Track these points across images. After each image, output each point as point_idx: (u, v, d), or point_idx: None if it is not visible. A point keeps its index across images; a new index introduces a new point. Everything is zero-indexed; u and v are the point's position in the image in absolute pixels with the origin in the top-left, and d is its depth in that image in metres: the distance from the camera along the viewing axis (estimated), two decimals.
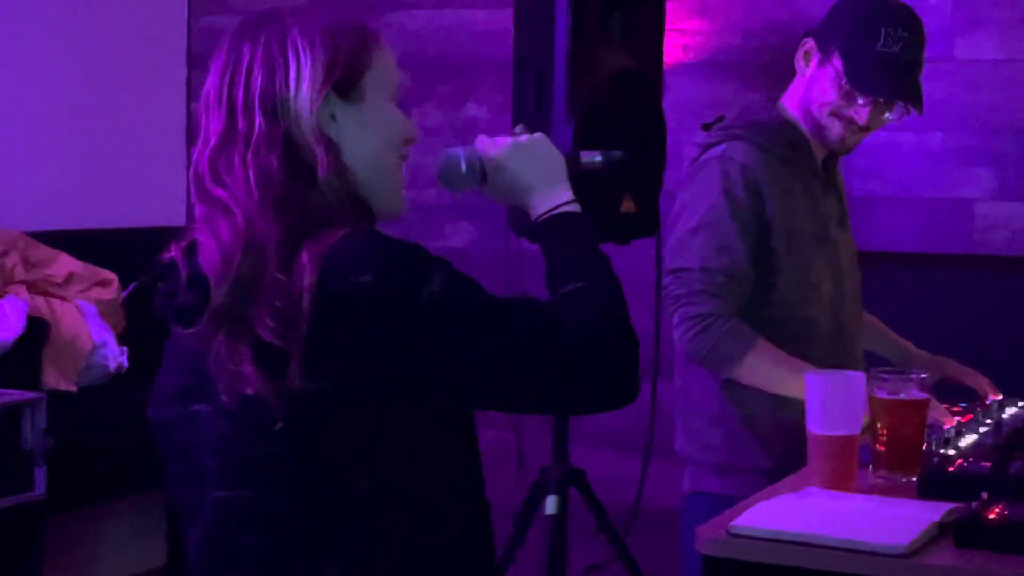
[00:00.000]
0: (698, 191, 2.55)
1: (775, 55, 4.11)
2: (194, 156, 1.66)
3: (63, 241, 4.27)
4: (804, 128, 2.62)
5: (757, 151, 2.55)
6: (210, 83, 1.66)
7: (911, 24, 2.55)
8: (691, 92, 4.20)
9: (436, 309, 1.52)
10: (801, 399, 2.16)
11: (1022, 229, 3.90)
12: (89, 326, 4.03)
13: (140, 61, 4.86)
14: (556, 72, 3.32)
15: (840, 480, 2.08)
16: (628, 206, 3.42)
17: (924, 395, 2.19)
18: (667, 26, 3.64)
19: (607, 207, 3.31)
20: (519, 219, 3.22)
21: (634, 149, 3.37)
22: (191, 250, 1.60)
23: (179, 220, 4.96)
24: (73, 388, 3.95)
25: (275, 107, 1.61)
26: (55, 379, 3.89)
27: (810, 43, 2.59)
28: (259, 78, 1.62)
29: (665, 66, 3.63)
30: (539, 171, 1.78)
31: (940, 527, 1.85)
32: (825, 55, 2.56)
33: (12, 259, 4.04)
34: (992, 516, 1.82)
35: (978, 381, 2.75)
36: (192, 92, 5.00)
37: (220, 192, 1.60)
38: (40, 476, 3.51)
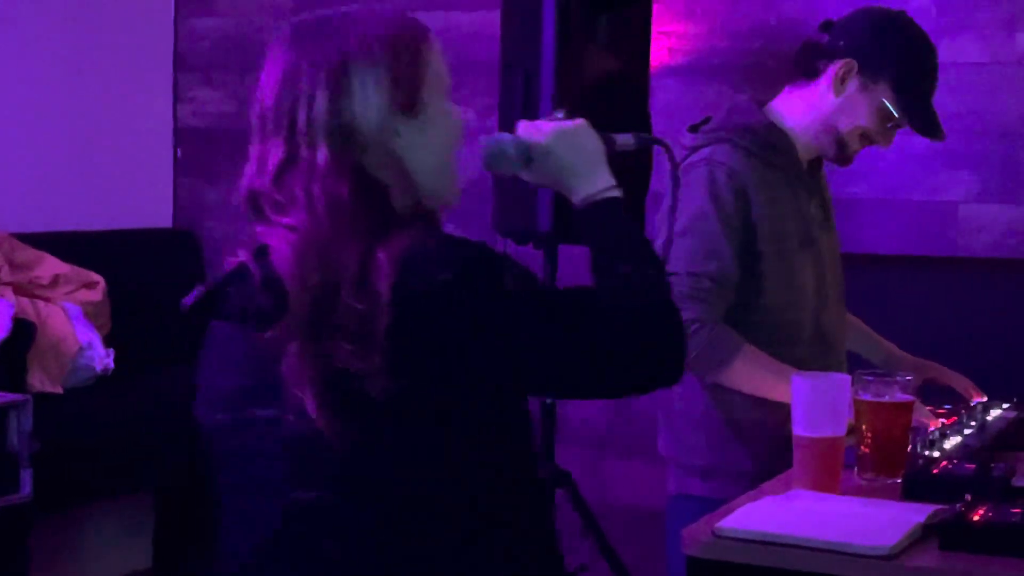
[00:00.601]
0: (685, 195, 2.56)
1: (761, 58, 4.12)
2: (248, 178, 1.66)
3: (49, 243, 4.27)
4: (802, 134, 2.63)
5: (743, 154, 2.56)
6: (267, 100, 1.65)
7: (936, 55, 2.64)
8: (677, 95, 4.21)
9: (512, 303, 1.57)
10: (786, 403, 2.16)
11: (1005, 232, 3.92)
12: (75, 328, 4.02)
13: (127, 62, 4.86)
14: (543, 74, 3.33)
15: (825, 482, 2.09)
16: None
17: (908, 397, 2.20)
18: (653, 29, 3.66)
19: None
20: (504, 220, 3.23)
21: (620, 152, 3.39)
22: (261, 254, 1.61)
23: (165, 222, 4.96)
24: (59, 390, 3.94)
25: (341, 135, 1.62)
26: (41, 381, 3.89)
27: (852, 64, 2.58)
28: (323, 103, 1.62)
29: (651, 68, 3.64)
30: (582, 156, 1.81)
31: (924, 529, 1.86)
32: (871, 81, 2.58)
33: None
34: (976, 518, 1.83)
35: (962, 383, 2.77)
36: (178, 94, 5.00)
37: (285, 219, 1.60)
38: (26, 478, 3.50)
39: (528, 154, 1.82)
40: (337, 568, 1.59)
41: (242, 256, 1.63)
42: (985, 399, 2.67)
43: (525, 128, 1.84)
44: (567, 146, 1.81)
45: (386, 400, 1.53)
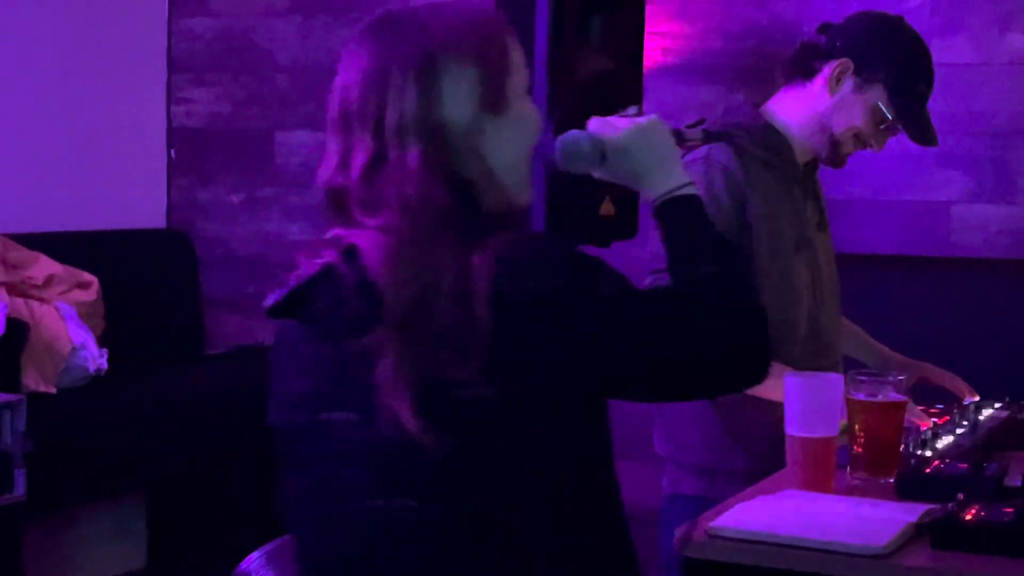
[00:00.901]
0: None
1: (754, 58, 4.13)
2: (328, 174, 1.62)
3: (43, 243, 4.26)
4: (798, 135, 2.63)
5: (740, 154, 2.57)
6: (351, 95, 1.61)
7: (931, 60, 2.64)
8: (670, 95, 4.21)
9: (607, 307, 1.57)
10: (778, 401, 2.17)
11: (998, 232, 3.93)
12: (69, 328, 4.02)
13: (120, 63, 4.86)
14: (536, 75, 3.32)
15: (818, 481, 2.09)
16: (607, 209, 3.43)
17: (901, 397, 2.20)
18: (647, 29, 3.66)
19: (586, 210, 3.32)
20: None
21: None
22: (351, 256, 1.57)
23: (159, 222, 4.96)
24: (52, 390, 3.94)
25: (432, 135, 1.59)
26: (34, 381, 3.89)
27: (847, 64, 2.59)
28: (413, 102, 1.58)
29: (644, 69, 3.64)
30: (657, 153, 1.80)
31: (917, 528, 1.86)
32: (865, 82, 2.58)
33: None
34: (968, 517, 1.83)
35: (955, 383, 2.77)
36: (172, 95, 5.00)
37: (374, 220, 1.57)
38: (19, 478, 3.50)
39: (603, 151, 1.81)
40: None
41: (328, 257, 1.59)
42: (978, 398, 2.67)
43: (598, 124, 1.83)
44: (643, 142, 1.80)
45: (483, 406, 1.51)
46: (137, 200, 4.91)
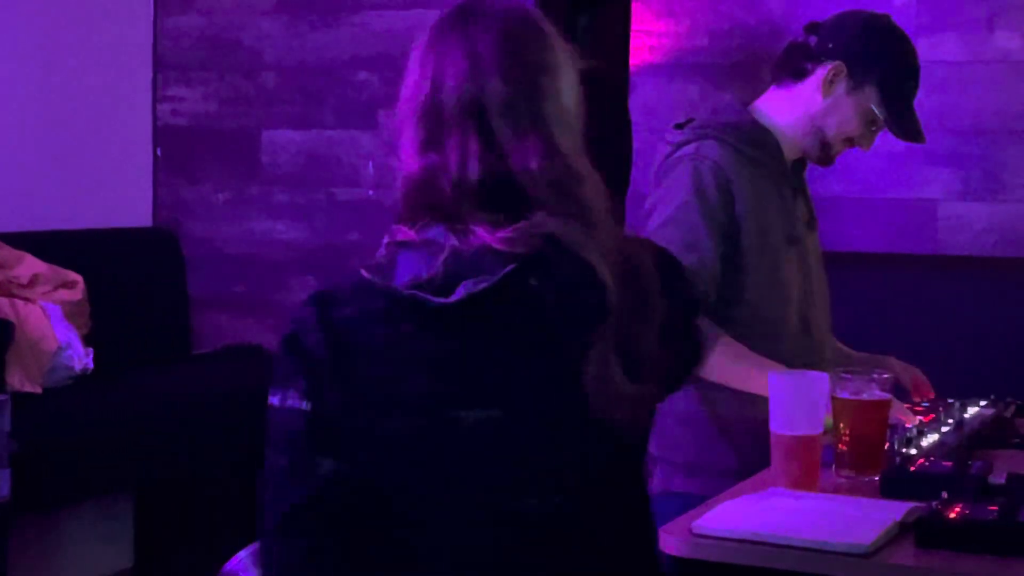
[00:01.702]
0: (669, 189, 2.57)
1: (741, 57, 4.13)
2: (454, 173, 1.54)
3: (28, 242, 4.25)
4: (788, 134, 2.64)
5: (729, 150, 2.57)
6: (448, 86, 1.57)
7: (918, 59, 2.66)
8: (657, 93, 4.21)
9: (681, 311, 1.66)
10: (764, 395, 2.17)
11: (985, 230, 3.93)
12: (54, 327, 4.01)
13: (106, 61, 4.84)
14: None
15: (803, 480, 2.09)
16: None
17: (886, 395, 2.20)
18: (633, 27, 3.66)
19: None
20: None
21: (600, 150, 3.40)
22: (554, 244, 1.51)
23: (145, 221, 4.95)
24: (38, 390, 3.93)
25: (556, 122, 1.61)
26: (20, 381, 3.87)
27: (841, 67, 2.60)
28: (554, 94, 1.62)
29: (631, 67, 3.64)
30: None
31: (901, 526, 1.86)
32: (858, 84, 2.60)
33: None
34: (952, 515, 1.83)
35: (907, 376, 2.74)
36: (158, 93, 4.99)
37: (545, 208, 1.54)
38: (4, 478, 3.49)
39: None
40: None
41: (529, 244, 1.50)
42: (932, 396, 2.67)
43: None
44: None
45: (641, 399, 1.55)
46: (123, 199, 4.90)
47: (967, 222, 3.95)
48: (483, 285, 1.50)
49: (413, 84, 1.60)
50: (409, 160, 1.58)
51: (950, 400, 2.60)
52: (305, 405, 1.54)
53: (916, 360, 2.84)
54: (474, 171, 1.53)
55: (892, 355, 2.85)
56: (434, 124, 1.57)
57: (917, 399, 2.57)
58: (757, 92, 2.72)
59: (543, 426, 1.51)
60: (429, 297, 1.50)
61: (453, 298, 1.50)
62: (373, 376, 1.52)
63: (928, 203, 3.98)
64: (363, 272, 1.55)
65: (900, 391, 2.61)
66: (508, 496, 1.52)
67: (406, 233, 1.55)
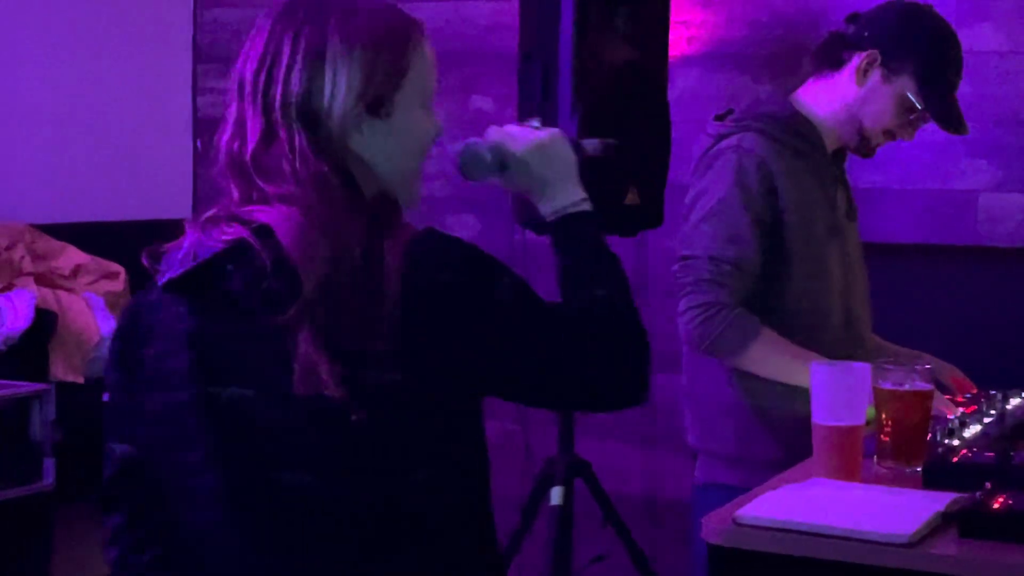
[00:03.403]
0: (711, 181, 2.57)
1: (780, 47, 4.12)
2: (225, 143, 1.65)
3: (70, 233, 4.29)
4: (827, 125, 2.64)
5: (771, 142, 2.57)
6: (248, 68, 1.64)
7: (960, 48, 2.64)
8: (696, 84, 4.21)
9: (504, 309, 1.61)
10: (805, 386, 2.17)
11: None
12: (96, 318, 4.04)
13: (147, 54, 4.88)
14: (561, 65, 3.33)
15: (845, 470, 2.09)
16: (632, 198, 3.43)
17: (928, 386, 2.20)
18: (672, 18, 3.66)
19: (611, 199, 3.32)
20: (523, 211, 3.24)
21: (639, 141, 3.40)
22: (263, 233, 1.58)
23: (185, 212, 4.97)
24: (80, 380, 3.96)
25: (313, 118, 1.61)
26: (63, 371, 3.91)
27: (875, 55, 2.59)
28: (297, 84, 1.61)
29: (670, 58, 3.64)
30: (555, 168, 1.82)
31: (944, 517, 1.86)
32: (893, 73, 2.59)
33: (19, 252, 4.06)
34: (996, 506, 1.83)
35: (951, 376, 2.73)
36: (197, 85, 5.02)
37: (276, 188, 1.60)
38: (48, 467, 3.53)
39: (504, 161, 1.82)
40: (315, 553, 1.58)
41: (235, 233, 1.59)
42: (974, 391, 2.65)
43: (498, 132, 1.84)
44: (541, 157, 1.82)
45: (389, 388, 1.55)
46: (163, 190, 4.93)
47: (1007, 213, 3.93)
48: (181, 270, 1.61)
49: (236, 58, 1.70)
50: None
51: (992, 391, 2.59)
52: (105, 396, 1.76)
53: (956, 351, 2.83)
54: (235, 144, 1.64)
55: (931, 346, 2.84)
56: (229, 93, 1.69)
57: (960, 399, 2.56)
58: (798, 82, 2.71)
59: (279, 406, 1.57)
60: (160, 277, 1.63)
61: (160, 280, 1.63)
62: (147, 355, 1.66)
63: (968, 194, 3.97)
64: None
65: (941, 389, 2.61)
66: (266, 470, 1.58)
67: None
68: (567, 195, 1.81)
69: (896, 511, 1.87)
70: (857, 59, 2.60)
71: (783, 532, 1.84)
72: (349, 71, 1.62)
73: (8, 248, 4.04)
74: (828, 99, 2.64)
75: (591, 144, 1.99)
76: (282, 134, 1.61)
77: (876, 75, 2.60)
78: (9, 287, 3.92)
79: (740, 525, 1.87)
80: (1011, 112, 3.91)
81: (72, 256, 4.17)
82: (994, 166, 3.94)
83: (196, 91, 5.02)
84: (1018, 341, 3.62)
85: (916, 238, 4.00)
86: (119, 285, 4.21)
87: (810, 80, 2.69)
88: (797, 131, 2.61)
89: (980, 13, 3.92)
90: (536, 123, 1.88)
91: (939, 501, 1.90)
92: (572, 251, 1.77)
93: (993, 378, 2.73)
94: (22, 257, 4.04)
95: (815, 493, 2.00)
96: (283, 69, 1.62)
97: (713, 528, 1.89)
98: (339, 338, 1.54)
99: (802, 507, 1.91)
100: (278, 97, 1.62)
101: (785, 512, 1.88)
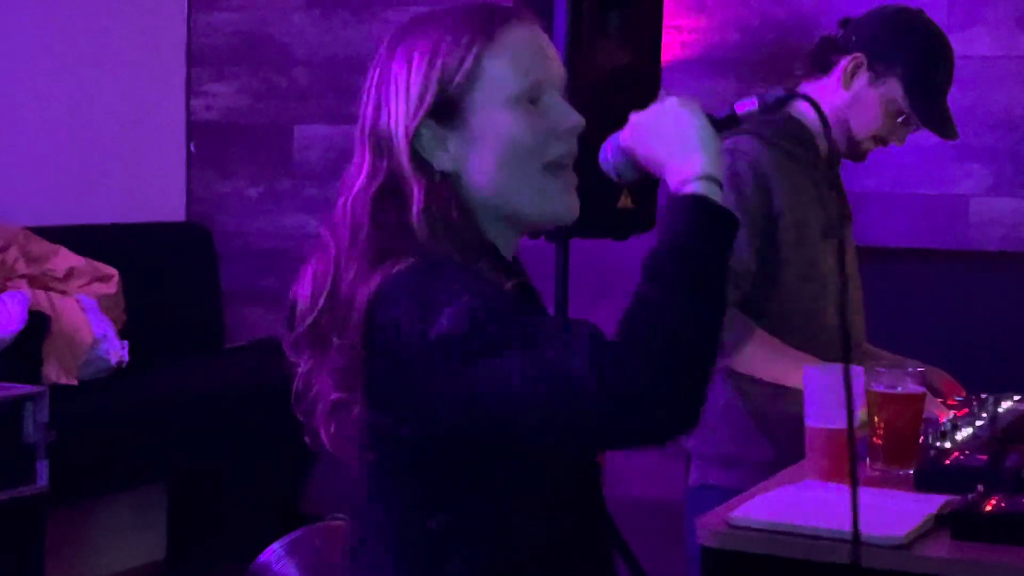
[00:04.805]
0: None
1: (772, 51, 4.13)
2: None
3: (63, 236, 4.29)
4: (815, 127, 2.64)
5: (765, 145, 2.58)
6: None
7: (952, 52, 2.64)
8: (689, 88, 4.22)
9: (440, 348, 1.43)
10: (799, 388, 2.18)
11: (1017, 225, 3.93)
12: (90, 320, 4.04)
13: (140, 57, 4.88)
14: None
15: (838, 472, 2.10)
16: (625, 202, 3.44)
17: (920, 389, 2.21)
18: (665, 23, 3.66)
19: (604, 203, 3.33)
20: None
21: None
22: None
23: (179, 216, 4.98)
24: (74, 382, 3.97)
25: (379, 142, 1.55)
26: (56, 373, 3.91)
27: (860, 59, 2.60)
28: (370, 109, 1.57)
29: (663, 62, 3.65)
30: (663, 146, 1.54)
31: (937, 519, 1.87)
32: (880, 77, 2.60)
33: (12, 254, 4.06)
34: (988, 508, 1.84)
35: (941, 381, 2.74)
36: (191, 88, 5.02)
37: (325, 228, 1.57)
38: (42, 469, 3.52)
39: (624, 154, 1.61)
40: None
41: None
42: (964, 395, 2.66)
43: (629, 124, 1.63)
44: (646, 138, 1.56)
45: (363, 424, 1.53)
46: (157, 193, 4.93)
47: (998, 217, 3.94)
48: None
49: None
50: None
51: (983, 395, 2.60)
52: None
53: (947, 355, 2.84)
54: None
55: (923, 349, 2.85)
56: None
57: (951, 403, 2.57)
58: (791, 87, 2.72)
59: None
60: None
61: None
62: None
63: (959, 198, 3.98)
64: None
65: (932, 393, 2.62)
66: None
67: None
68: (675, 173, 1.51)
69: (889, 513, 1.88)
70: (844, 63, 2.62)
71: (776, 534, 1.85)
72: (408, 81, 1.53)
73: (2, 250, 4.04)
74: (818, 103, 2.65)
75: (743, 104, 1.63)
76: (355, 160, 1.58)
77: (863, 79, 2.61)
78: (2, 289, 3.92)
79: (733, 527, 1.88)
80: (1003, 117, 3.92)
81: (65, 258, 4.17)
82: (986, 170, 3.95)
83: (190, 94, 5.02)
84: (1010, 344, 3.63)
85: (908, 242, 4.01)
86: (112, 288, 4.21)
87: (802, 84, 2.70)
88: (791, 134, 2.62)
89: (972, 18, 3.93)
90: (662, 93, 1.70)
91: (931, 503, 1.91)
92: (660, 240, 1.48)
93: (984, 381, 2.74)
94: (15, 259, 4.04)
95: (808, 495, 2.00)
96: (364, 97, 1.58)
97: (707, 530, 1.89)
98: (323, 377, 1.55)
99: (795, 509, 1.92)
100: (360, 125, 1.58)
101: (778, 514, 1.89)
